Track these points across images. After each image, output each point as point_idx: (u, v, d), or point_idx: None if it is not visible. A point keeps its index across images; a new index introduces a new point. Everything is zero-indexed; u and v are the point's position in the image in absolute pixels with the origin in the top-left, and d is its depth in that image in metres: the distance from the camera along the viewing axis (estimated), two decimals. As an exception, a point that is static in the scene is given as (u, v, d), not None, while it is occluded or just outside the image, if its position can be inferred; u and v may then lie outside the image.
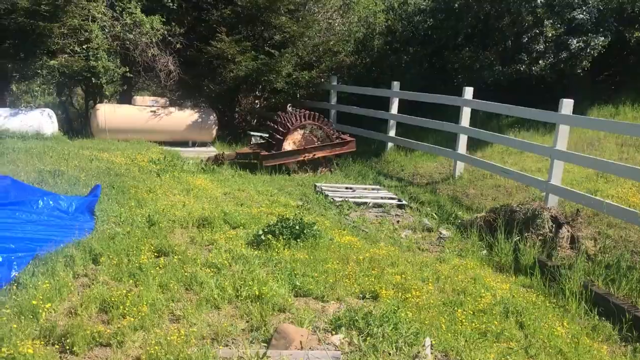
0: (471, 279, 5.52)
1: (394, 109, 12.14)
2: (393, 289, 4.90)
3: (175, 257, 5.22)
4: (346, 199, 8.52)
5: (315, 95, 14.75)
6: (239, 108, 16.01)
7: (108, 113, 12.34)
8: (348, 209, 8.19)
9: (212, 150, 12.82)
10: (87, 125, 12.82)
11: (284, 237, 5.82)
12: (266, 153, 10.65)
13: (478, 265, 6.14)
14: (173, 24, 12.85)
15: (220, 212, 6.75)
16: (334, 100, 14.20)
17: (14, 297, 4.01)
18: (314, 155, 10.74)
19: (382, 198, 8.91)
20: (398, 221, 7.88)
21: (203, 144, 13.34)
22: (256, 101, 17.68)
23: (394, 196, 9.09)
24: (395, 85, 12.07)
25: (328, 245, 5.87)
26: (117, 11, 12.16)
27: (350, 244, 6.11)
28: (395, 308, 4.36)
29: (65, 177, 7.85)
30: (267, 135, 11.78)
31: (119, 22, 12.07)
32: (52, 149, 9.94)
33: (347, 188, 9.48)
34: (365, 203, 8.56)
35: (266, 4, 12.89)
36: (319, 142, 10.82)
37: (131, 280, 4.59)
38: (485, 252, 6.65)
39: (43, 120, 11.58)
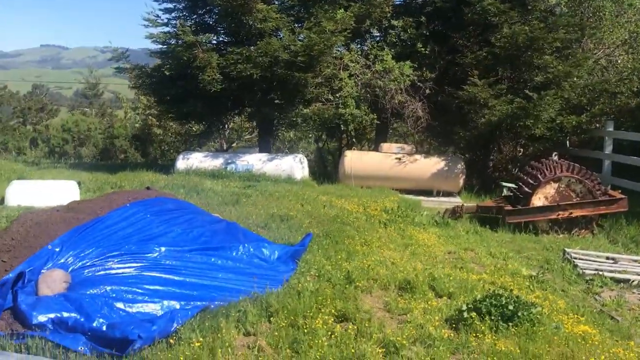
0: None
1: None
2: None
3: (354, 325, 4.57)
4: (601, 272, 6.77)
5: (589, 144, 12.71)
6: (500, 156, 14.76)
7: (354, 160, 12.48)
8: (601, 287, 6.46)
9: (456, 201, 11.90)
10: (337, 171, 13.18)
11: (492, 317, 4.68)
12: (511, 208, 9.33)
13: None
14: (424, 69, 12.50)
15: (428, 275, 5.89)
16: (608, 149, 11.98)
17: (158, 353, 3.84)
18: (571, 213, 9.01)
19: (654, 275, 6.87)
20: (672, 311, 5.88)
21: (448, 194, 12.51)
22: (520, 149, 16.17)
23: (673, 274, 6.93)
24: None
25: (550, 336, 4.52)
26: (370, 59, 12.34)
27: (583, 337, 4.63)
28: None
29: (291, 222, 7.92)
30: (516, 187, 10.40)
31: (369, 69, 12.20)
32: (294, 194, 10.32)
33: (607, 258, 7.61)
34: (628, 280, 6.66)
35: (527, 43, 11.64)
36: (577, 199, 9.06)
37: (289, 350, 4.07)
38: None
39: (295, 165, 12.23)
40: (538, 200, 9.19)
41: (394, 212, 9.47)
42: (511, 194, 10.50)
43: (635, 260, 7.56)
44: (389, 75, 12.14)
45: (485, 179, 13.72)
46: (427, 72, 12.48)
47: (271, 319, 4.59)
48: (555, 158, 13.94)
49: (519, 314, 4.67)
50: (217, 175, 12.20)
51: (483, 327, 4.56)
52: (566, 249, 7.83)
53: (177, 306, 4.46)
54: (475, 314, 4.73)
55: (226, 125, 25.28)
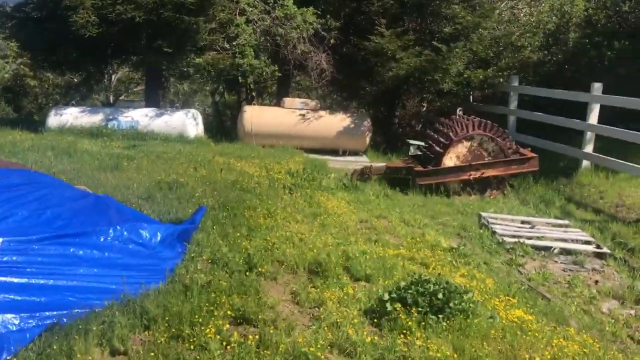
0: None
1: (594, 118, 9.44)
2: None
3: (255, 330, 3.67)
4: (521, 240, 6.32)
5: (492, 99, 12.41)
6: (403, 112, 14.23)
7: (255, 116, 11.38)
8: (523, 256, 6.00)
9: (363, 161, 11.23)
10: (236, 128, 12.02)
11: (420, 308, 3.95)
12: (421, 169, 8.74)
13: None
14: (328, 16, 11.49)
15: (341, 254, 5.08)
16: (513, 104, 11.75)
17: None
18: (483, 173, 8.57)
19: (572, 240, 6.53)
20: (597, 281, 5.52)
21: (354, 153, 11.81)
22: (423, 104, 15.77)
23: (590, 238, 6.64)
24: (597, 87, 9.36)
25: (486, 329, 3.87)
26: (269, 4, 11.12)
27: (521, 326, 4.04)
28: None
29: (181, 191, 6.79)
30: (425, 146, 9.86)
31: (269, 15, 11.01)
32: (186, 155, 9.13)
33: (523, 222, 7.22)
34: (549, 248, 6.26)
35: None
36: (489, 158, 8.62)
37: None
38: None
39: (187, 122, 10.95)
40: (449, 160, 8.66)
41: (300, 175, 8.58)
42: (420, 153, 9.96)
43: (550, 224, 7.23)
44: (291, 23, 11.02)
45: (391, 136, 13.17)
46: (331, 21, 11.50)
47: (148, 330, 3.56)
48: (461, 114, 13.68)
49: (450, 304, 3.96)
50: (96, 134, 10.66)
51: (410, 323, 3.81)
52: (482, 213, 7.36)
53: (16, 321, 3.30)
54: (399, 304, 3.98)
55: (112, 76, 23.05)
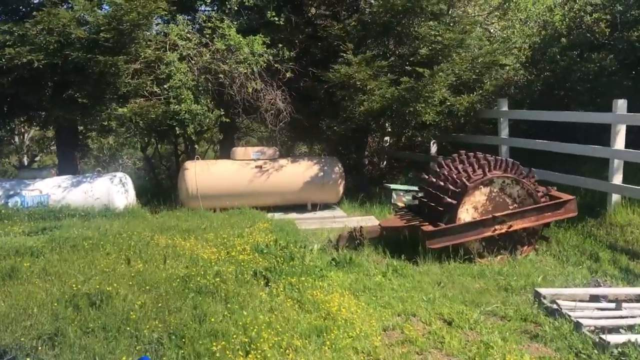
0: None
1: (620, 142, 7.75)
2: None
3: None
4: (627, 336, 4.30)
5: (476, 128, 10.63)
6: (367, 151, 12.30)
7: (200, 173, 9.10)
8: (643, 367, 3.98)
9: (340, 216, 9.12)
10: (176, 188, 9.66)
11: None
12: (431, 228, 6.68)
13: None
14: (280, 45, 9.44)
15: None
16: (504, 132, 9.98)
17: None
18: (510, 226, 6.60)
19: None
20: None
21: (326, 206, 9.71)
22: (385, 138, 13.92)
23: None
24: (621, 105, 7.69)
25: None
26: (206, 34, 8.97)
27: None
28: None
29: (108, 312, 4.43)
30: (420, 191, 7.87)
31: (207, 48, 8.85)
32: (115, 237, 6.74)
33: (592, 297, 5.24)
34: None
35: (407, 4, 9.10)
36: (515, 205, 6.69)
37: None
38: None
39: (113, 190, 8.53)
40: (466, 213, 6.66)
41: (272, 251, 6.38)
42: (415, 202, 7.94)
43: (631, 297, 5.29)
44: (236, 55, 8.89)
45: (363, 179, 11.16)
46: (285, 50, 9.45)
47: None
48: (435, 149, 11.85)
49: None
50: (-8, 217, 8.05)
51: None
52: (539, 291, 5.31)
53: None
54: None
55: (24, 135, 20.10)
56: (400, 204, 9.46)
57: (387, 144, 14.30)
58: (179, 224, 7.89)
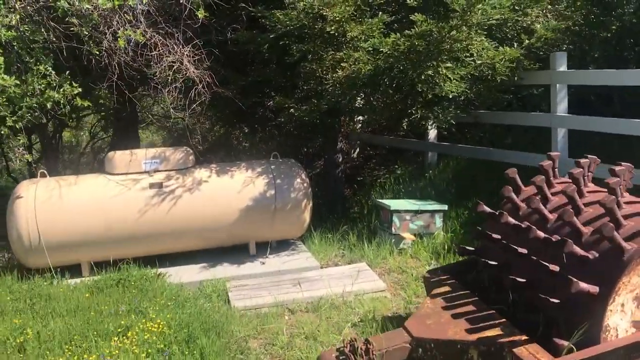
0: None
1: None
2: None
3: None
4: None
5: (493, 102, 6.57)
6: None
7: (44, 203, 4.85)
8: None
9: (307, 268, 5.08)
10: (6, 234, 5.31)
11: None
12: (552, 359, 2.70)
13: None
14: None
15: None
16: (562, 106, 6.06)
17: None
18: None
19: None
20: None
21: (283, 244, 5.64)
22: (358, 117, 9.79)
23: None
24: None
25: None
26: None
27: None
28: None
29: None
30: (479, 236, 3.85)
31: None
32: None
33: None
34: None
35: None
36: None
37: None
38: None
39: None
40: (617, 316, 2.74)
41: None
42: (472, 258, 3.91)
43: None
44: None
45: (336, 189, 7.13)
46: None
47: None
48: (434, 134, 8.04)
49: None
50: None
51: None
52: None
53: None
54: None
55: None
56: (408, 238, 5.52)
57: (360, 125, 10.28)
58: (15, 306, 3.68)
